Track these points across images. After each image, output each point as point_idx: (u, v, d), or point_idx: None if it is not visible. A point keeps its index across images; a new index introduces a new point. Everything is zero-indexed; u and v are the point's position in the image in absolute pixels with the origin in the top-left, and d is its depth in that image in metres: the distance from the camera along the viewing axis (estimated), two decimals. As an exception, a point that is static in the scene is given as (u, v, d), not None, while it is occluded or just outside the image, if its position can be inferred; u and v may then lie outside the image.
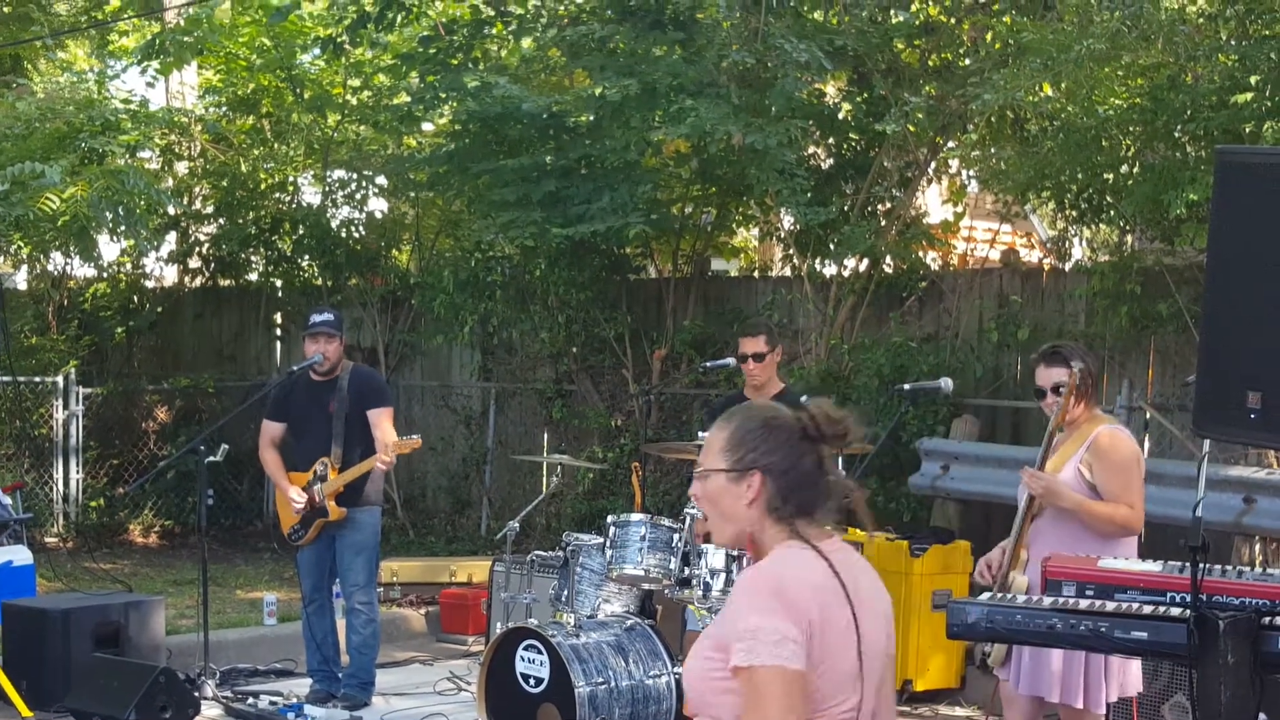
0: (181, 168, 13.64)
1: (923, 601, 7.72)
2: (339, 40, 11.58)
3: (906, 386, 6.69)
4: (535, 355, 11.77)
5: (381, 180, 12.85)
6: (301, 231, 12.70)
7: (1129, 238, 9.28)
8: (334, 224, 12.75)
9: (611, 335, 11.06)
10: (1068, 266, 9.60)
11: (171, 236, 13.78)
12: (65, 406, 12.33)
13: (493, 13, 11.27)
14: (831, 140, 10.56)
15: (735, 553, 6.09)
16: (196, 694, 7.13)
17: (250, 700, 7.43)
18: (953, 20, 9.85)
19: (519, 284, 11.32)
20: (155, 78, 12.79)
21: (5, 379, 11.76)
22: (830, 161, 10.65)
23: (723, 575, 6.26)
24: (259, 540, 12.36)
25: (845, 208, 10.00)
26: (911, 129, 9.42)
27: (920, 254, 9.93)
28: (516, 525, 7.72)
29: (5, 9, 14.00)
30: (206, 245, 13.63)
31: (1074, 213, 9.21)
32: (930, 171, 10.22)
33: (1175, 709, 6.32)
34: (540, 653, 6.38)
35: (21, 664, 7.28)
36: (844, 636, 2.75)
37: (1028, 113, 9.05)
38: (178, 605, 9.31)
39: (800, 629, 2.68)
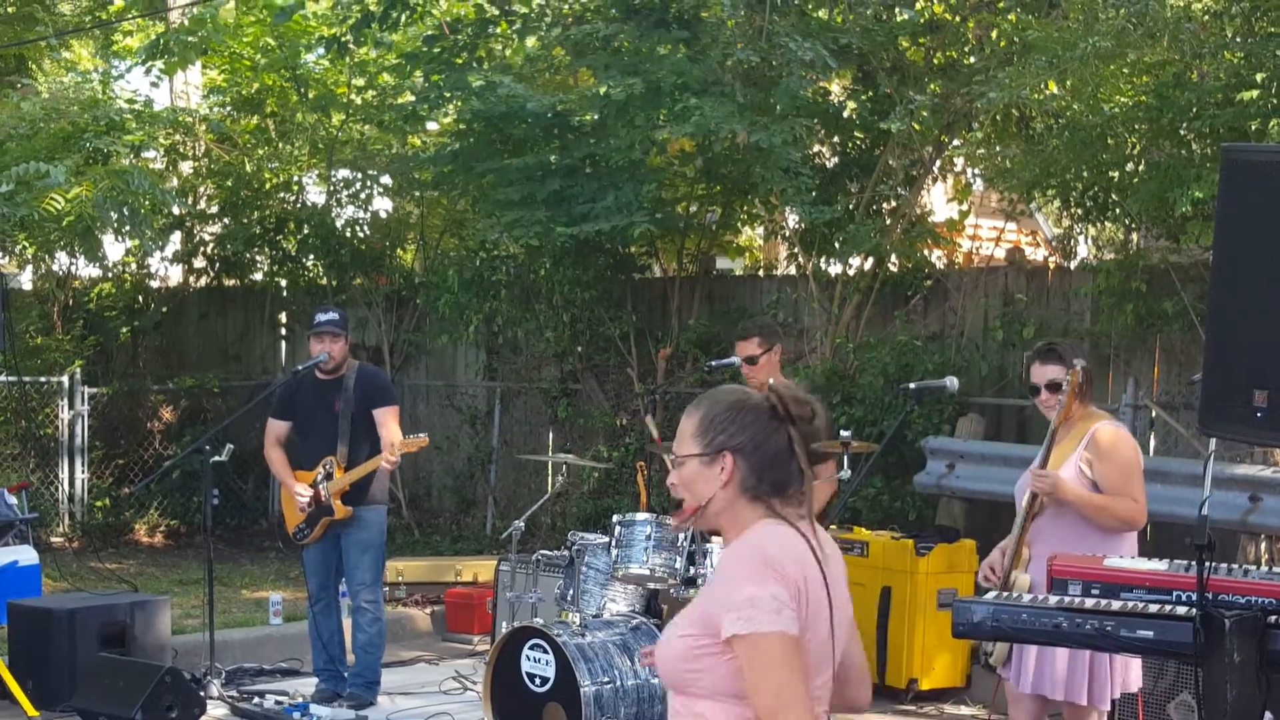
0: (186, 168, 13.65)
1: (928, 600, 7.71)
2: (343, 39, 11.57)
3: (912, 385, 6.68)
4: (540, 354, 11.77)
5: (386, 180, 12.85)
6: (306, 231, 12.72)
7: (1134, 236, 9.27)
8: (339, 224, 12.75)
9: (616, 334, 11.06)
10: (1073, 265, 9.58)
11: (176, 236, 13.79)
12: (70, 406, 12.35)
13: (497, 12, 11.26)
14: (836, 139, 10.54)
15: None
16: (202, 693, 7.12)
17: (256, 700, 7.42)
18: (958, 18, 9.84)
19: (524, 283, 11.32)
20: (160, 78, 12.78)
21: (11, 379, 11.77)
22: (835, 160, 10.64)
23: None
24: (264, 540, 12.36)
25: (850, 206, 9.99)
26: (916, 127, 9.40)
27: (925, 252, 9.93)
28: (522, 524, 7.73)
29: (9, 9, 13.99)
30: (211, 245, 13.65)
31: (1079, 211, 9.20)
32: (935, 170, 10.20)
33: (1181, 708, 6.31)
34: (546, 652, 6.38)
35: (28, 664, 7.29)
36: (821, 610, 2.80)
37: (1033, 111, 9.04)
38: (183, 605, 9.31)
39: (792, 595, 2.73)
